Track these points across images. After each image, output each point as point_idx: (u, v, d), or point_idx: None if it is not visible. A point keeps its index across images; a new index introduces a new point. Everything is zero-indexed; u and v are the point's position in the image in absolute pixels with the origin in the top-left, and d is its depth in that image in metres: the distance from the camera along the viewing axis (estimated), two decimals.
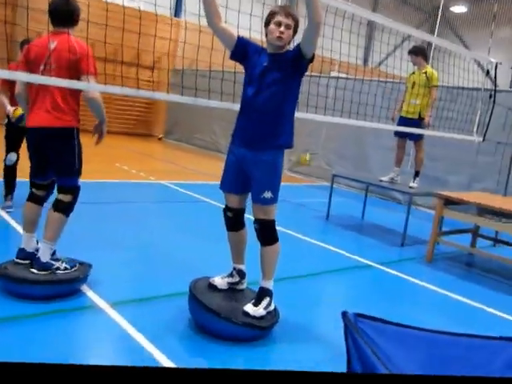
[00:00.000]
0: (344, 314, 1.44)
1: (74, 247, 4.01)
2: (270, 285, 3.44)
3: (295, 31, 3.31)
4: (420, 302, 4.58)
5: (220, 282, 3.61)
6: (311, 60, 3.24)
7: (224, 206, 3.59)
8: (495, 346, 1.56)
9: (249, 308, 3.30)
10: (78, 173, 3.76)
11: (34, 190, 3.79)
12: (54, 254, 3.72)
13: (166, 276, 4.21)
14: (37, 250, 3.74)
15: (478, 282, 5.27)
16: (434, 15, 21.09)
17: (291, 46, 3.35)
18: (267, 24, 3.29)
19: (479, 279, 5.41)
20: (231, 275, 3.66)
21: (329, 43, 3.84)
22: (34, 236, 3.81)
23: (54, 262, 3.64)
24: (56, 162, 3.66)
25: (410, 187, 6.85)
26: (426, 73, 6.82)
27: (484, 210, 5.64)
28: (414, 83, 6.86)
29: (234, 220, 3.56)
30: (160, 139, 15.83)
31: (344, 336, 1.41)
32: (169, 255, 4.77)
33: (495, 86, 6.35)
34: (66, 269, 3.66)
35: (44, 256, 3.61)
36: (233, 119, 12.11)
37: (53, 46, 3.51)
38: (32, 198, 3.79)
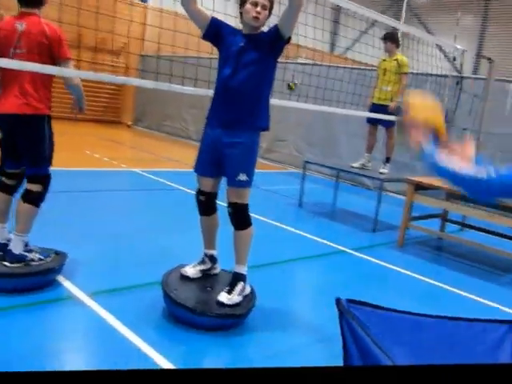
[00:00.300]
0: (338, 301, 1.47)
1: (47, 237, 3.94)
2: (243, 269, 3.45)
3: (270, 12, 3.31)
4: (392, 285, 4.67)
5: (192, 271, 3.59)
6: (288, 41, 3.25)
7: (196, 190, 3.56)
8: (479, 327, 1.62)
9: (223, 297, 3.28)
10: (49, 161, 3.64)
11: (3, 178, 3.66)
12: (26, 245, 3.62)
13: (143, 265, 4.19)
14: (9, 241, 3.63)
15: (447, 266, 5.41)
16: (397, 2, 21.25)
17: (265, 29, 3.34)
18: (242, 4, 3.26)
19: (448, 262, 5.55)
20: (203, 262, 3.66)
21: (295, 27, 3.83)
22: (4, 227, 3.70)
23: (27, 254, 3.56)
24: (26, 150, 3.53)
25: (381, 173, 6.94)
26: (397, 60, 6.88)
27: (452, 195, 5.77)
28: (385, 70, 6.93)
29: (206, 204, 3.53)
30: (129, 126, 15.64)
31: (339, 321, 1.44)
32: (144, 244, 4.75)
33: (461, 73, 6.47)
34: (40, 260, 3.58)
35: (16, 248, 3.52)
36: (204, 106, 11.98)
37: (21, 28, 3.36)
38: (1, 187, 3.66)
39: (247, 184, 3.35)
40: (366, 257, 5.29)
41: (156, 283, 3.65)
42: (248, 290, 3.47)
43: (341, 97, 5.60)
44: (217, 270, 3.72)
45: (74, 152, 9.20)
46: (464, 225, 6.73)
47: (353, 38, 14.86)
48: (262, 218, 5.83)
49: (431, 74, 7.29)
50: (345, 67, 8.68)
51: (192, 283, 3.52)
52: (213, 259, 3.69)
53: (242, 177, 3.30)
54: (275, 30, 3.18)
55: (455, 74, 7.47)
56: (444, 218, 6.46)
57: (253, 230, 3.47)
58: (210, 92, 4.07)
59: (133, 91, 15.43)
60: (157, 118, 14.69)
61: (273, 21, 3.31)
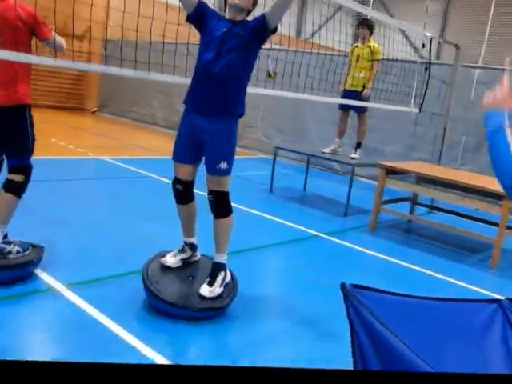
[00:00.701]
0: (343, 286, 1.48)
1: (20, 229, 3.82)
2: (224, 258, 3.44)
3: (255, 2, 3.28)
4: (366, 268, 4.73)
5: (172, 260, 3.55)
6: (273, 31, 3.20)
7: (172, 179, 3.50)
8: (475, 307, 1.66)
9: (204, 290, 3.26)
10: (31, 152, 3.59)
11: None
12: (5, 237, 3.54)
13: (120, 254, 4.14)
14: None
15: (418, 247, 5.52)
16: None
17: (250, 19, 3.30)
18: None
19: (419, 244, 5.66)
20: (183, 250, 3.62)
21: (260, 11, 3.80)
22: None
23: (5, 246, 3.48)
24: (9, 141, 3.46)
25: (352, 158, 7.00)
26: (369, 46, 6.90)
27: (422, 179, 5.87)
28: (358, 56, 6.94)
29: (183, 193, 3.48)
30: (94, 113, 15.34)
31: (345, 306, 1.45)
32: (119, 232, 4.69)
33: (430, 59, 6.55)
34: (18, 252, 3.50)
35: None
36: (171, 92, 11.98)
37: None
38: None
39: (227, 172, 3.31)
40: (339, 241, 5.35)
41: (135, 272, 3.60)
42: (228, 277, 3.45)
43: (309, 83, 5.57)
44: (197, 258, 3.70)
45: (39, 140, 8.88)
46: (433, 207, 6.87)
47: (319, 23, 14.89)
48: (233, 204, 5.80)
49: (402, 60, 7.36)
50: (311, 52, 8.67)
51: (172, 273, 3.47)
52: (193, 247, 3.66)
53: (223, 165, 3.27)
54: (262, 19, 3.13)
55: (421, 59, 7.56)
56: (414, 201, 6.57)
57: (233, 219, 3.44)
58: (177, 78, 4.01)
59: (97, 77, 15.12)
60: (123, 104, 14.44)
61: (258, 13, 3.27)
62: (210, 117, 3.24)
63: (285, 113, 10.42)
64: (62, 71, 14.38)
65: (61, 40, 3.51)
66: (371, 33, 6.98)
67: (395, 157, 8.25)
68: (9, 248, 3.49)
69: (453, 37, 15.61)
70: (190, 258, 3.65)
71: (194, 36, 4.03)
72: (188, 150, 3.37)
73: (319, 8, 5.05)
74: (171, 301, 3.14)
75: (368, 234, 5.79)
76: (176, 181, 3.48)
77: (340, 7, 6.46)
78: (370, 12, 6.58)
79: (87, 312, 3.12)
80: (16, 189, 3.48)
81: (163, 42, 3.94)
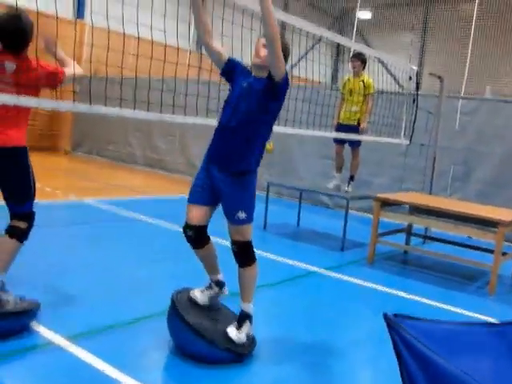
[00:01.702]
0: (385, 316, 1.64)
1: (10, 280, 3.68)
2: (249, 308, 3.50)
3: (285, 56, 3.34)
4: (368, 301, 4.93)
5: (201, 297, 3.61)
6: (284, 83, 3.29)
7: (183, 225, 3.50)
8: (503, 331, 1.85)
9: (232, 332, 3.36)
10: (33, 197, 3.65)
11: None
12: (3, 285, 3.55)
13: (120, 300, 4.20)
14: None
15: (417, 278, 5.76)
16: (340, 20, 22.10)
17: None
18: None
19: (416, 275, 5.91)
20: (210, 287, 3.68)
21: (242, 46, 3.98)
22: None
23: (2, 294, 3.49)
24: (8, 186, 3.53)
25: (346, 192, 7.25)
26: (362, 81, 7.21)
27: (415, 209, 6.15)
28: (351, 90, 7.24)
29: (196, 239, 3.50)
30: (67, 153, 15.35)
31: (390, 336, 1.60)
32: (114, 278, 4.74)
33: (417, 91, 6.91)
34: (16, 302, 3.52)
35: None
36: (150, 129, 12.12)
37: (11, 68, 3.39)
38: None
39: (247, 221, 3.40)
40: (339, 276, 5.54)
41: (141, 319, 3.66)
42: (252, 330, 3.53)
43: (297, 117, 5.74)
44: (225, 292, 3.73)
45: None
46: (427, 237, 7.15)
47: (298, 55, 15.29)
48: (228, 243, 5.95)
49: (391, 92, 7.70)
50: (298, 86, 8.97)
51: (200, 310, 3.55)
52: (219, 283, 3.69)
53: (241, 214, 3.36)
54: (269, 76, 3.27)
55: (402, 90, 7.93)
56: (409, 231, 6.83)
57: (257, 267, 3.53)
58: (150, 115, 4.04)
59: (70, 115, 15.18)
60: (99, 143, 14.52)
61: None
62: (227, 169, 3.37)
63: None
64: (33, 110, 14.42)
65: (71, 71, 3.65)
66: (364, 66, 7.27)
67: (384, 188, 8.54)
68: (6, 297, 3.50)
69: (431, 67, 16.25)
70: (217, 294, 3.70)
71: (172, 71, 4.22)
72: (203, 191, 3.46)
73: (298, 40, 5.28)
74: (200, 330, 3.25)
75: (367, 267, 6.01)
76: (187, 227, 3.48)
77: (319, 39, 6.75)
78: (350, 43, 6.91)
79: (96, 367, 3.05)
80: (20, 235, 3.55)
81: (135, 78, 4.05)
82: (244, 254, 3.46)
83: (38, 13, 3.46)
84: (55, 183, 9.77)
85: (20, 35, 3.43)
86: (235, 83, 3.48)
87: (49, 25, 3.66)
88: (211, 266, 3.66)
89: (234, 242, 3.44)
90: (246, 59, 3.81)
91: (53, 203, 7.89)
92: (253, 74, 3.46)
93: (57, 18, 3.45)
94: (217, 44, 3.50)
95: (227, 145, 3.38)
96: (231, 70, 3.51)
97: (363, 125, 7.13)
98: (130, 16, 3.67)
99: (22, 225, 3.56)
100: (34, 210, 3.66)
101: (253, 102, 3.32)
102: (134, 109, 3.80)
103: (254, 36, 3.92)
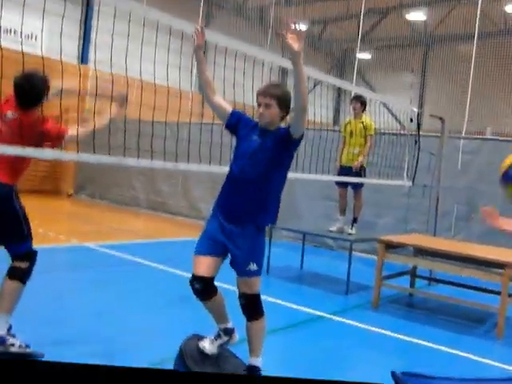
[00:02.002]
0: (393, 374, 1.63)
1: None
2: (258, 362, 3.47)
3: (283, 107, 3.38)
4: (376, 347, 4.85)
5: (209, 347, 3.53)
6: (300, 139, 3.35)
7: (190, 277, 3.44)
8: None
9: None
10: (30, 236, 3.66)
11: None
12: (10, 328, 3.57)
13: (126, 347, 4.16)
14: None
15: (423, 322, 5.68)
16: (341, 61, 22.52)
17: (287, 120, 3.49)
18: (257, 101, 3.41)
19: (423, 318, 5.83)
20: (219, 336, 3.61)
21: (245, 90, 4.03)
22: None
23: (8, 337, 3.50)
24: (1, 228, 3.54)
25: (349, 234, 7.24)
26: (362, 122, 7.28)
27: (420, 251, 6.12)
28: (351, 132, 7.30)
29: (203, 291, 3.44)
30: (70, 196, 15.42)
31: None
32: (122, 324, 4.70)
33: (419, 133, 6.97)
34: (20, 346, 3.53)
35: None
36: (153, 173, 12.12)
37: (11, 116, 3.51)
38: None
39: (257, 273, 3.40)
40: (344, 320, 5.48)
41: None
42: None
43: (300, 161, 5.76)
44: (235, 339, 3.69)
45: None
46: (432, 279, 7.09)
47: None
48: (231, 288, 5.91)
49: (392, 133, 7.77)
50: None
51: (209, 361, 3.50)
52: (228, 331, 3.63)
53: (252, 266, 3.35)
54: (286, 131, 3.31)
55: (403, 131, 7.99)
56: (413, 274, 6.78)
57: (265, 320, 3.51)
58: (155, 163, 4.11)
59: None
60: (102, 186, 14.57)
61: None
62: (239, 224, 3.37)
63: None
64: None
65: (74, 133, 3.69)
66: (364, 108, 7.35)
67: (388, 229, 8.52)
68: (11, 340, 3.51)
69: (432, 106, 16.43)
70: (227, 342, 3.65)
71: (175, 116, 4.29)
72: (211, 243, 3.42)
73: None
74: None
75: (372, 310, 5.94)
76: (194, 279, 3.40)
77: (320, 82, 6.87)
78: (351, 87, 7.02)
79: None
80: (21, 275, 3.57)
81: (139, 121, 4.11)
82: (252, 307, 3.44)
83: (43, 58, 3.55)
84: (58, 227, 9.79)
85: (33, 95, 3.58)
86: (242, 135, 3.49)
87: (54, 69, 3.78)
88: (219, 316, 3.60)
89: (242, 295, 3.42)
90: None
91: (56, 247, 7.87)
92: (260, 125, 3.44)
93: (61, 62, 3.59)
94: (219, 98, 3.57)
95: (242, 199, 3.36)
96: (235, 122, 3.53)
97: (356, 163, 7.14)
98: (132, 64, 3.76)
99: (23, 265, 3.58)
100: (34, 249, 3.66)
101: (267, 157, 3.33)
102: (138, 157, 3.87)
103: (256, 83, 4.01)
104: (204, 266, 3.39)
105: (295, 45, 2.98)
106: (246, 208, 3.36)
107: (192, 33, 3.46)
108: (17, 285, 3.55)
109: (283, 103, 3.37)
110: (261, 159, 3.34)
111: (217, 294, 3.51)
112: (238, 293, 3.46)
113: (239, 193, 3.38)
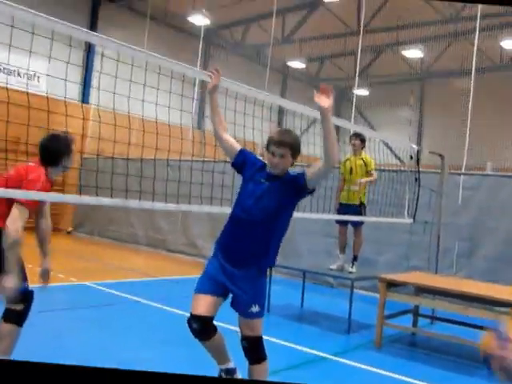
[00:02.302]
0: None
1: None
2: None
3: (296, 155, 3.39)
4: None
5: None
6: (311, 192, 3.36)
7: (188, 317, 3.37)
8: None
9: None
10: (24, 275, 3.58)
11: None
12: None
13: None
14: None
15: (427, 362, 5.59)
16: (339, 97, 22.76)
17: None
18: (267, 147, 3.40)
19: (427, 359, 5.73)
20: (220, 377, 3.52)
21: (246, 131, 4.06)
22: None
23: None
24: None
25: (350, 272, 7.19)
26: (362, 159, 7.32)
27: (421, 290, 6.07)
28: (351, 169, 7.32)
29: (201, 331, 3.36)
30: (69, 233, 15.39)
31: None
32: (120, 364, 4.59)
33: (419, 170, 6.99)
34: None
35: None
36: (152, 211, 12.00)
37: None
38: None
39: (259, 314, 3.37)
40: (346, 361, 5.39)
41: None
42: None
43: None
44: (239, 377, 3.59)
45: None
46: (434, 318, 7.01)
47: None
48: (231, 327, 5.84)
49: (392, 170, 7.80)
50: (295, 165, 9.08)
51: None
52: (229, 372, 3.53)
53: (254, 308, 3.33)
54: (302, 181, 3.27)
55: (403, 168, 8.04)
56: (416, 312, 6.71)
57: (267, 364, 3.47)
58: (157, 205, 4.14)
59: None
60: (100, 223, 14.57)
61: None
62: (240, 266, 3.34)
63: None
64: None
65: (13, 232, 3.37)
66: (363, 145, 7.40)
67: (389, 266, 8.47)
68: None
69: (430, 140, 16.54)
70: None
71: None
72: (212, 282, 3.38)
73: (295, 121, 5.45)
74: None
75: (374, 350, 5.85)
76: (192, 319, 3.34)
77: (314, 120, 6.95)
78: (349, 125, 7.07)
79: None
80: (16, 318, 3.50)
81: (141, 160, 4.13)
82: (255, 350, 3.40)
83: (47, 97, 3.61)
84: (57, 265, 9.55)
85: (56, 155, 3.68)
86: (248, 176, 3.47)
87: (57, 108, 3.86)
88: (219, 356, 3.51)
89: (244, 338, 3.38)
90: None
91: (55, 286, 7.75)
92: (268, 169, 3.43)
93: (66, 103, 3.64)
94: (228, 136, 3.61)
95: (246, 242, 3.34)
96: (243, 161, 3.53)
97: (364, 179, 7.14)
98: (124, 105, 3.80)
99: (18, 307, 3.51)
100: (30, 289, 3.60)
101: (275, 201, 3.33)
102: (140, 199, 3.89)
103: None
104: (203, 305, 3.33)
105: (324, 102, 3.06)
106: (249, 250, 3.34)
107: (206, 74, 3.55)
108: (12, 328, 3.49)
109: (296, 152, 3.39)
110: (268, 202, 3.32)
111: (216, 333, 3.42)
112: (240, 335, 3.41)
113: (243, 235, 3.35)
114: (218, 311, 3.42)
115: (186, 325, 3.37)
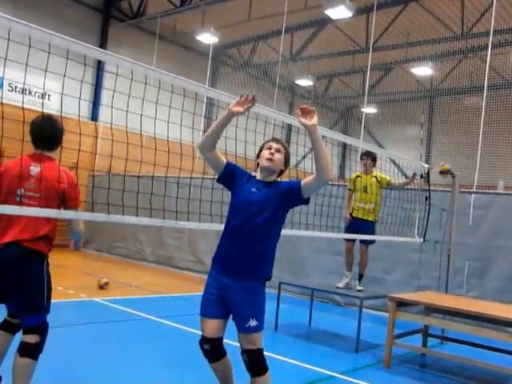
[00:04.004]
0: None
1: None
2: None
3: (286, 161, 3.56)
4: None
5: None
6: (306, 202, 3.45)
7: (200, 338, 3.51)
8: None
9: None
10: (47, 308, 3.58)
11: (8, 318, 3.63)
12: None
13: None
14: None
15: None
16: (346, 115, 22.88)
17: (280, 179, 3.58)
18: (258, 154, 3.55)
19: (437, 380, 5.71)
20: None
21: (251, 149, 4.09)
22: None
23: None
24: (20, 293, 3.45)
25: (358, 291, 7.18)
26: (375, 176, 7.37)
27: (431, 310, 6.05)
28: (365, 187, 7.34)
29: (212, 352, 3.49)
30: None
31: None
32: (129, 381, 4.64)
33: (429, 189, 7.00)
34: None
35: None
36: (159, 228, 12.13)
37: (36, 171, 3.49)
38: (5, 325, 3.62)
39: (258, 329, 3.39)
40: (354, 381, 5.35)
41: None
42: None
43: (306, 218, 5.77)
44: None
45: None
46: (445, 338, 6.97)
47: (303, 154, 15.69)
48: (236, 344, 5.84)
49: (403, 189, 7.79)
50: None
51: None
52: None
53: (252, 322, 3.34)
54: (297, 189, 3.37)
55: (414, 186, 8.05)
56: (425, 332, 6.68)
57: (269, 376, 3.47)
58: (167, 222, 4.19)
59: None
60: (108, 240, 14.64)
61: None
62: (238, 278, 3.38)
63: (281, 244, 10.62)
64: None
65: (81, 224, 3.83)
66: (374, 164, 7.45)
67: (399, 285, 8.45)
68: None
69: (440, 159, 16.52)
70: None
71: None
72: (215, 304, 3.45)
73: (304, 139, 5.47)
74: None
75: (383, 371, 5.81)
76: (204, 340, 3.48)
77: (323, 137, 6.98)
78: (358, 143, 7.10)
79: None
80: (32, 352, 3.44)
81: (152, 178, 4.17)
82: (256, 362, 3.40)
83: (61, 117, 3.66)
84: (67, 282, 9.70)
85: (54, 138, 3.66)
86: (239, 187, 3.53)
87: (69, 125, 3.92)
88: (226, 382, 3.59)
89: (245, 352, 3.39)
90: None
91: (65, 302, 7.84)
92: (259, 178, 3.53)
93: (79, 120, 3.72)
94: (215, 152, 3.57)
95: (241, 253, 3.39)
96: (231, 174, 3.57)
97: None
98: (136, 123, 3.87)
99: (33, 339, 3.46)
100: (47, 321, 3.59)
101: (269, 208, 3.39)
102: (151, 216, 3.94)
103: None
104: (210, 327, 3.47)
105: (310, 121, 3.17)
106: (246, 260, 3.38)
107: (243, 97, 3.41)
108: (27, 362, 3.44)
109: (287, 158, 3.58)
110: (262, 211, 3.38)
111: (225, 356, 3.55)
112: (240, 349, 3.43)
113: (240, 245, 3.41)
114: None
115: (193, 343, 3.49)
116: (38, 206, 3.41)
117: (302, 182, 3.37)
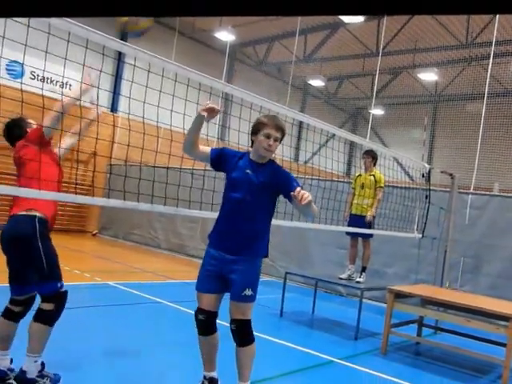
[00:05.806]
0: None
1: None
2: None
3: (280, 141, 3.49)
4: None
5: None
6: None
7: (196, 309, 3.53)
8: None
9: None
10: (56, 275, 3.48)
11: (10, 305, 3.54)
12: (42, 369, 3.51)
13: None
14: (10, 370, 3.49)
15: (429, 370, 5.63)
16: (355, 116, 22.88)
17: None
18: (255, 132, 3.41)
19: (430, 367, 5.76)
20: None
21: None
22: (7, 353, 3.54)
23: (39, 380, 3.44)
24: (19, 265, 3.40)
25: (358, 282, 7.24)
26: (373, 175, 7.41)
27: (427, 302, 6.09)
28: (363, 185, 7.41)
29: (205, 323, 3.48)
30: (94, 235, 15.58)
31: None
32: (142, 364, 4.67)
33: (429, 188, 7.03)
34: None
35: (30, 371, 3.40)
36: (173, 215, 12.22)
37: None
38: (7, 314, 3.54)
39: (252, 299, 3.41)
40: (353, 366, 5.43)
41: None
42: None
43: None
44: None
45: None
46: (438, 328, 7.02)
47: (312, 151, 15.75)
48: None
49: (403, 187, 7.84)
50: (312, 178, 9.13)
51: None
52: (213, 381, 3.59)
53: (248, 291, 3.36)
54: (288, 191, 3.25)
55: (415, 185, 8.08)
56: (420, 323, 6.73)
57: (255, 347, 3.49)
58: (181, 211, 4.22)
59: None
60: (124, 227, 14.76)
61: None
62: (235, 254, 3.39)
63: (288, 236, 10.68)
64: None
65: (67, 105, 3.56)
66: (375, 163, 7.48)
67: (398, 278, 8.50)
68: (42, 382, 3.46)
69: (440, 160, 16.52)
70: None
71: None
72: (211, 280, 3.46)
73: (314, 136, 5.51)
74: None
75: (380, 357, 5.88)
76: (199, 311, 3.50)
77: (333, 135, 7.00)
78: (364, 141, 7.13)
79: None
80: (46, 318, 3.43)
81: (167, 169, 4.23)
82: (243, 332, 3.42)
83: (80, 106, 3.68)
84: (83, 266, 9.85)
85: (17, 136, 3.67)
86: (232, 166, 3.48)
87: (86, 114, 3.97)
88: (209, 360, 3.58)
89: (234, 321, 3.41)
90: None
91: (81, 285, 7.96)
92: (252, 157, 3.47)
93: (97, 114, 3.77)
94: (198, 148, 3.53)
95: (239, 230, 3.38)
96: (218, 155, 3.52)
97: (369, 214, 7.19)
98: (153, 115, 3.92)
99: (47, 307, 3.43)
100: (63, 290, 3.53)
101: (266, 186, 3.40)
102: (165, 204, 3.97)
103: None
104: (206, 301, 3.49)
105: (307, 199, 3.09)
106: (243, 233, 3.38)
107: (211, 102, 3.38)
108: (41, 327, 3.42)
109: (282, 139, 3.49)
110: (258, 191, 3.37)
111: (216, 332, 3.55)
112: (229, 318, 3.45)
113: (237, 219, 3.39)
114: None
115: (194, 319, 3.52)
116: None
117: (294, 193, 3.15)
